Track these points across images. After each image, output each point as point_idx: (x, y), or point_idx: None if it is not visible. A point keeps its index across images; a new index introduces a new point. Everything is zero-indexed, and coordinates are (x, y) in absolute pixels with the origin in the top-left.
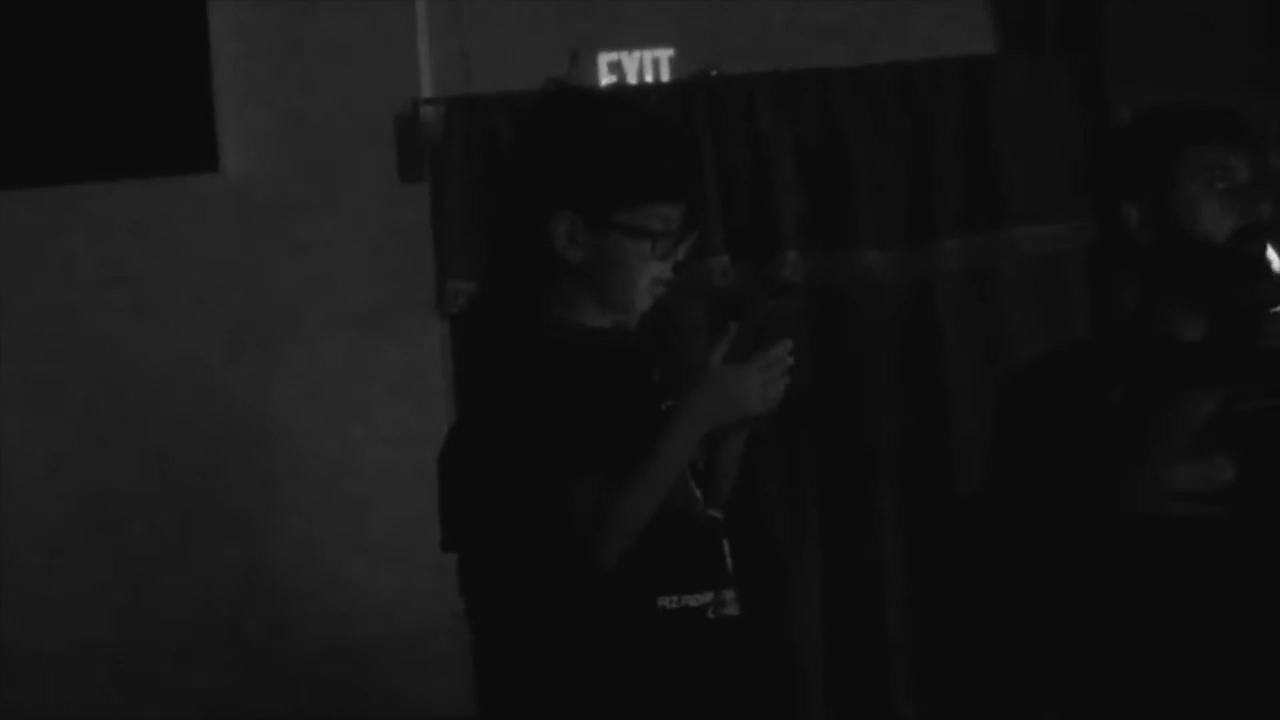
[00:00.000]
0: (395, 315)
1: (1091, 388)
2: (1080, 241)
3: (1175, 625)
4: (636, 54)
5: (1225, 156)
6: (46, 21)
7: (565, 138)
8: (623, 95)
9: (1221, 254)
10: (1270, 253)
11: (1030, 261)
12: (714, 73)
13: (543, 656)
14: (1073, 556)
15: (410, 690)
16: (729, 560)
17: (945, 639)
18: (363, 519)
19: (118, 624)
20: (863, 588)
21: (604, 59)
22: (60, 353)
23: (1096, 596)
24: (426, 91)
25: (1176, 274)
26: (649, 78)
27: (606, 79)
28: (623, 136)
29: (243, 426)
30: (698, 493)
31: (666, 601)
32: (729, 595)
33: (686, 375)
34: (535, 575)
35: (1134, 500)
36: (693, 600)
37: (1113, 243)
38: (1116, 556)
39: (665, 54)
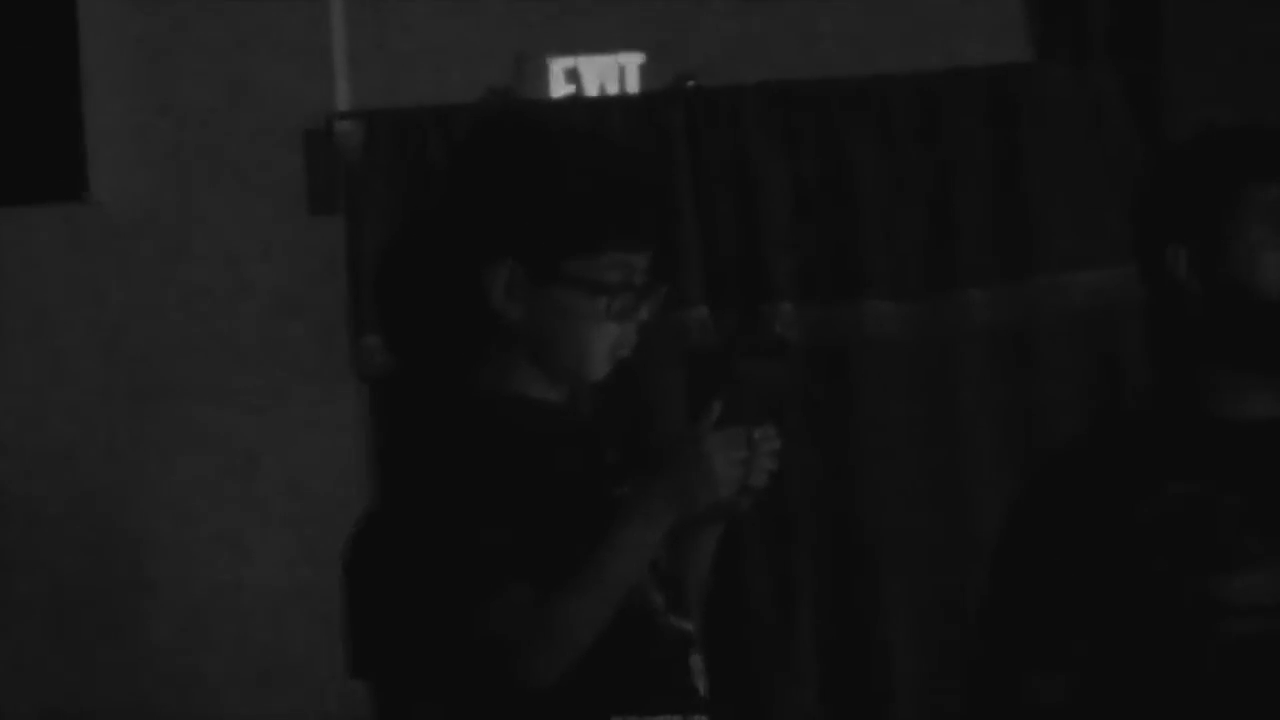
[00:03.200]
0: (301, 375)
1: (1117, 496)
2: (1135, 291)
3: None
4: (597, 60)
5: None
6: None
7: (505, 170)
8: (578, 112)
9: None
10: None
11: (1073, 316)
12: (691, 83)
13: None
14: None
15: None
16: (700, 680)
17: None
18: (252, 632)
19: None
20: (866, 716)
21: (558, 65)
22: None
23: None
24: (342, 104)
25: (1229, 334)
26: (612, 88)
27: (561, 90)
28: (574, 169)
29: (107, 503)
30: (659, 599)
31: None
32: None
33: (653, 454)
34: (460, 702)
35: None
36: None
37: (1155, 294)
38: (1163, 695)
39: (633, 60)
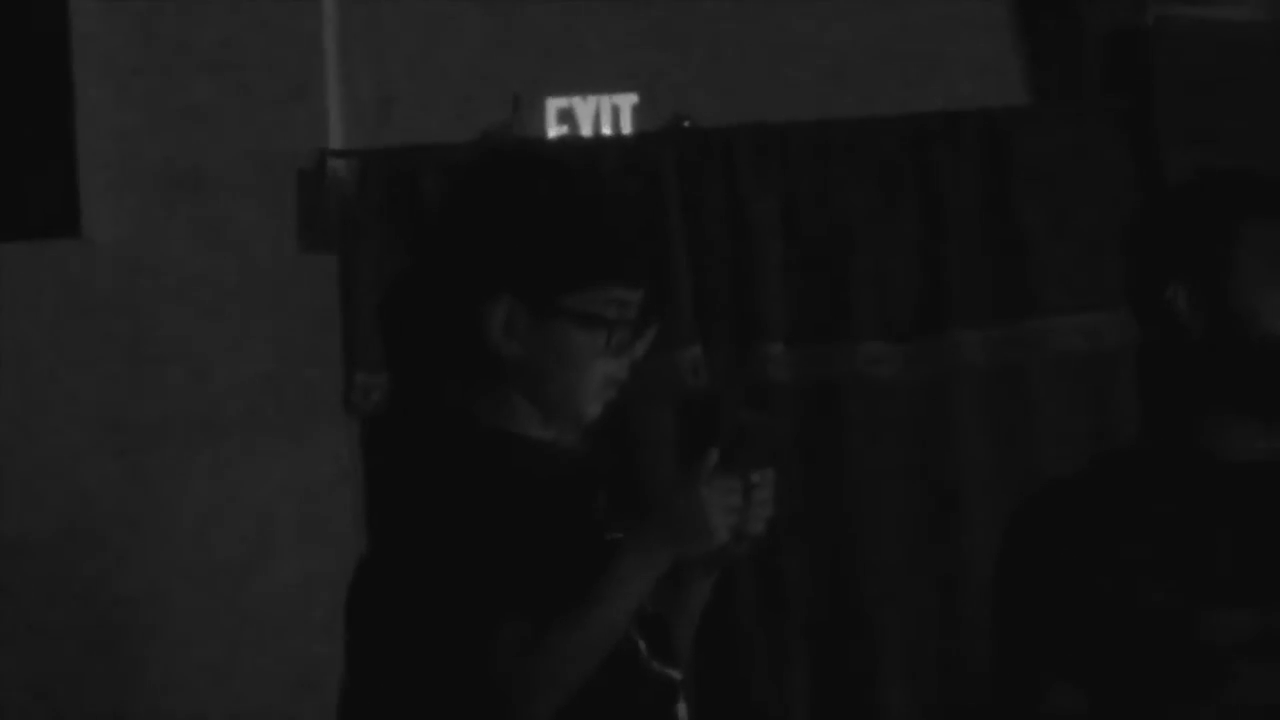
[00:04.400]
0: (293, 415)
1: (1109, 525)
2: (1129, 334)
3: None
4: (592, 100)
5: None
6: None
7: (501, 207)
8: (573, 151)
9: None
10: None
11: (1066, 358)
12: (686, 123)
13: None
14: None
15: None
16: None
17: None
18: (243, 671)
19: None
20: None
21: (553, 105)
22: None
23: None
24: (336, 142)
25: (1229, 374)
26: (607, 129)
27: (556, 129)
28: (570, 205)
29: (94, 536)
30: (641, 646)
31: None
32: None
33: (647, 498)
34: None
35: None
36: None
37: (1152, 334)
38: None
39: (627, 100)
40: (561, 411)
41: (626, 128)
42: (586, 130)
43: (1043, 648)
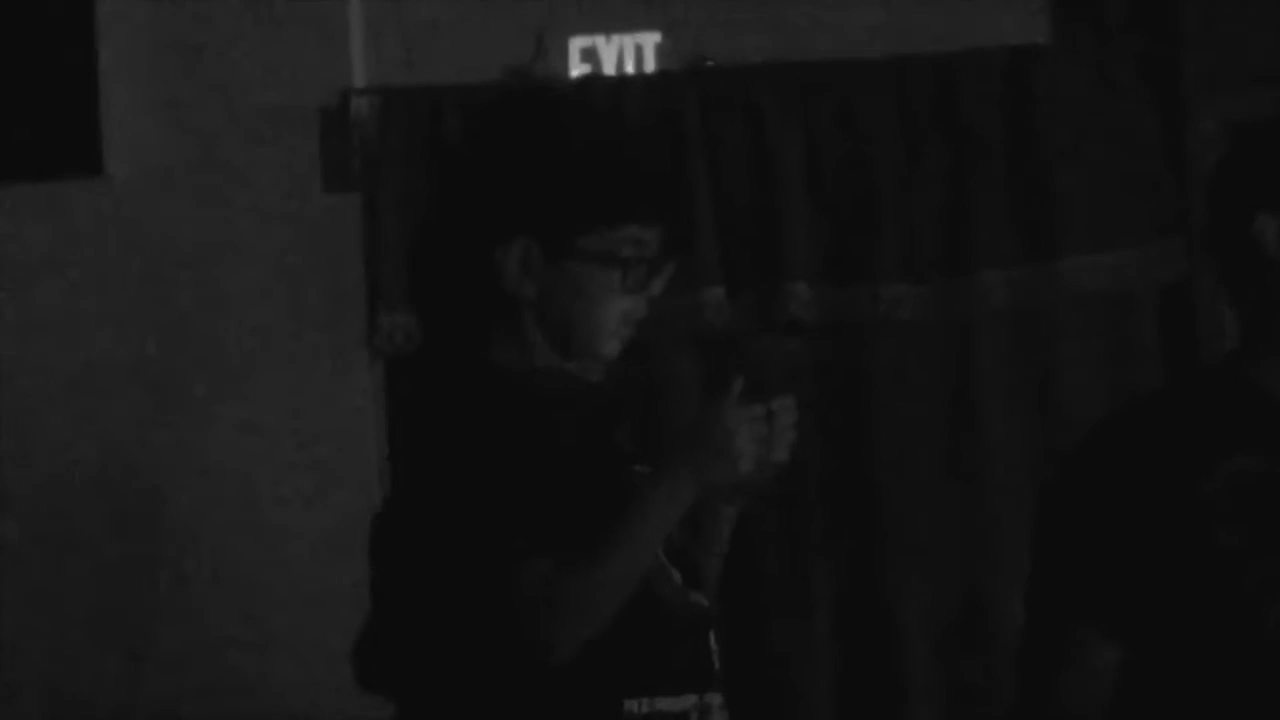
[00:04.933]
0: (316, 353)
1: (1180, 463)
2: (1154, 275)
3: None
4: (615, 39)
5: None
6: None
7: (515, 150)
8: (596, 90)
9: None
10: None
11: (1090, 299)
12: (709, 63)
13: None
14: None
15: None
16: (716, 658)
17: None
18: (270, 602)
19: None
20: (882, 697)
21: (576, 44)
22: None
23: None
24: (359, 81)
25: None
26: (630, 68)
27: (579, 69)
28: (585, 145)
29: (123, 476)
30: (675, 575)
31: (634, 705)
32: (715, 700)
33: (673, 430)
34: (478, 671)
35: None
36: (669, 705)
37: (1236, 267)
38: (1213, 673)
39: (650, 39)
40: (580, 350)
41: (650, 67)
42: (609, 69)
43: (1079, 587)
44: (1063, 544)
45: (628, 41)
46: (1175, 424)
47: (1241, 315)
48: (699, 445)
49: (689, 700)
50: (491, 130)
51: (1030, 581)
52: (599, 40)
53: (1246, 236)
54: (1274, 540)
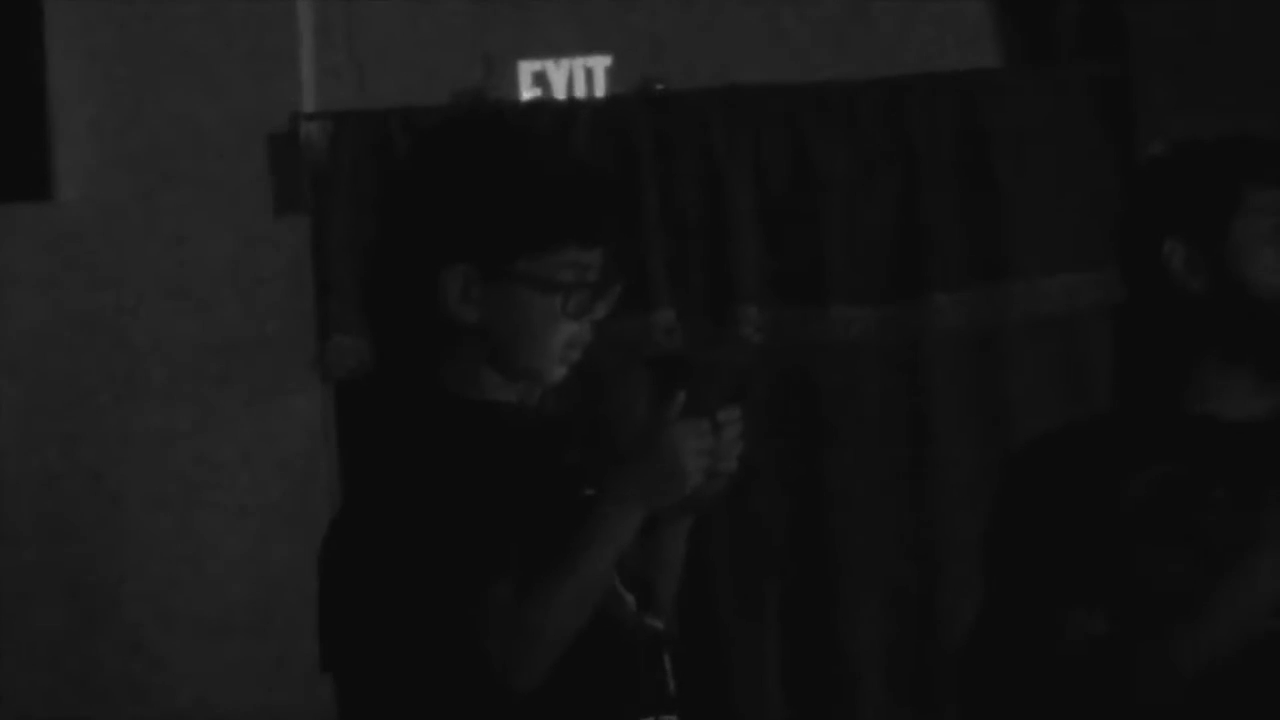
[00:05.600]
0: (266, 377)
1: (1106, 472)
2: (1102, 297)
3: None
4: (565, 63)
5: None
6: None
7: (449, 176)
8: (545, 114)
9: None
10: None
11: (1041, 320)
12: (660, 87)
13: None
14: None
15: None
16: (671, 680)
17: None
18: (217, 626)
19: None
20: (835, 715)
21: (526, 68)
22: None
23: None
24: (309, 105)
25: (1225, 330)
26: (580, 91)
27: (529, 92)
28: (520, 168)
29: (72, 503)
30: (629, 599)
31: None
32: None
33: (619, 451)
34: (435, 701)
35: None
36: None
37: (1143, 292)
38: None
39: (600, 62)
40: (524, 375)
41: (600, 91)
42: (559, 93)
43: (1054, 579)
44: (1027, 548)
45: (578, 65)
46: (1102, 439)
47: (1152, 341)
48: (645, 466)
49: None
50: (429, 153)
51: (1000, 576)
52: (549, 64)
53: (1153, 261)
54: (1188, 553)
